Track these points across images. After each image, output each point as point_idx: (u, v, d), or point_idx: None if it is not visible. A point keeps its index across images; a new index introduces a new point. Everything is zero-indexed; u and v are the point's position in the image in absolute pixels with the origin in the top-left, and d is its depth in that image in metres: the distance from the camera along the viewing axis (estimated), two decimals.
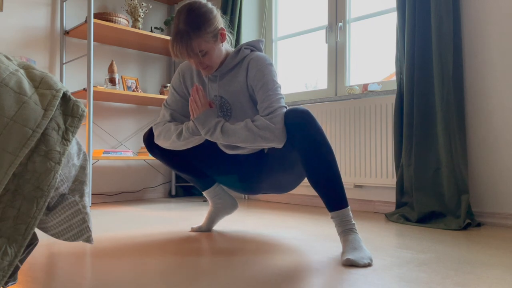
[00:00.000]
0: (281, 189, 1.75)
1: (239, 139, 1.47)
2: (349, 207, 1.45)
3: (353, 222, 1.44)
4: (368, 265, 1.29)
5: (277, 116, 1.47)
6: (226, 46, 1.65)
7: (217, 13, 1.57)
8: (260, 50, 1.69)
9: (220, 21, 1.57)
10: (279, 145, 1.48)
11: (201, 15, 1.51)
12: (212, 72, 1.61)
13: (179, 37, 1.49)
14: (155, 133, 1.66)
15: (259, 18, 3.47)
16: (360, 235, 1.79)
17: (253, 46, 1.67)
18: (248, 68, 1.59)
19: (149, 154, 1.80)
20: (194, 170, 1.81)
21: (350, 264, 1.29)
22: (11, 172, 0.76)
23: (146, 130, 3.52)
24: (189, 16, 1.50)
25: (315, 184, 1.45)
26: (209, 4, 1.56)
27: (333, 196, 1.43)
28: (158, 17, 3.65)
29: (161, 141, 1.63)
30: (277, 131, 1.45)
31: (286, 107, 1.53)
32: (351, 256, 1.31)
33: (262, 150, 1.71)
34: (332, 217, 1.45)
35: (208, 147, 1.76)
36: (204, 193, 1.88)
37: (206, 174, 1.84)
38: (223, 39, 1.58)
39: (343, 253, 1.36)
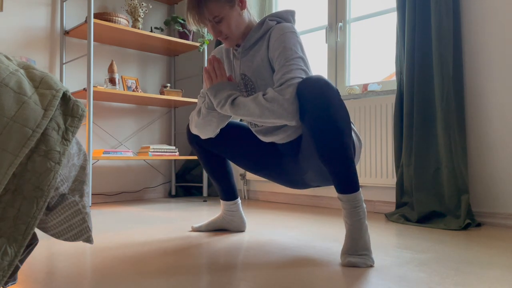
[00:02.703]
0: (328, 179, 1.50)
1: (247, 112, 1.33)
2: (360, 190, 1.30)
3: (364, 207, 1.30)
4: (370, 266, 1.27)
5: (288, 87, 1.28)
6: (251, 18, 1.53)
7: None
8: (289, 22, 1.50)
9: None
10: (291, 121, 1.31)
11: None
12: (233, 44, 1.51)
13: (191, 2, 1.43)
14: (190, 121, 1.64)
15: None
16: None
17: (279, 17, 1.49)
18: (269, 39, 1.44)
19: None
20: (224, 176, 1.79)
21: (351, 265, 1.27)
22: (11, 172, 0.76)
23: (146, 130, 3.52)
24: None
25: (324, 162, 1.30)
26: None
27: (343, 178, 1.28)
28: (158, 17, 3.65)
29: (192, 127, 1.60)
30: (286, 104, 1.27)
31: (299, 75, 1.32)
32: (353, 259, 1.27)
33: (300, 138, 1.53)
34: (340, 199, 1.31)
35: (246, 140, 1.67)
36: (221, 201, 1.87)
37: (232, 186, 1.82)
38: (242, 5, 1.46)
39: (344, 252, 1.30)
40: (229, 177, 1.82)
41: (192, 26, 1.48)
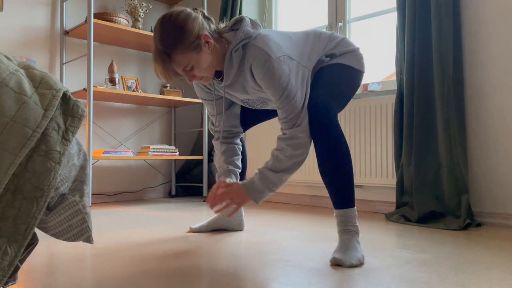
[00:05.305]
0: None
1: (285, 179, 1.45)
2: (354, 207, 1.41)
3: (356, 224, 1.41)
4: (355, 266, 1.28)
5: (301, 133, 1.40)
6: (223, 40, 1.47)
7: (195, 18, 1.39)
8: (249, 36, 1.43)
9: (200, 27, 1.38)
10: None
11: (176, 29, 1.36)
12: (210, 80, 1.49)
13: (157, 60, 1.37)
14: (214, 145, 1.82)
15: (259, 18, 3.47)
16: (360, 235, 1.79)
17: (241, 41, 1.43)
18: (254, 75, 1.43)
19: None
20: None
21: (336, 263, 1.29)
22: (11, 172, 0.76)
23: (146, 130, 3.52)
24: (163, 33, 1.37)
25: (325, 179, 1.42)
26: (186, 10, 1.40)
27: (340, 195, 1.40)
28: (158, 17, 3.64)
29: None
30: (308, 146, 1.42)
31: (303, 106, 1.40)
32: (338, 255, 1.31)
33: None
34: (335, 215, 1.43)
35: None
36: None
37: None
38: (209, 45, 1.39)
39: (333, 251, 1.37)
40: (242, 174, 1.86)
41: (162, 80, 1.43)
